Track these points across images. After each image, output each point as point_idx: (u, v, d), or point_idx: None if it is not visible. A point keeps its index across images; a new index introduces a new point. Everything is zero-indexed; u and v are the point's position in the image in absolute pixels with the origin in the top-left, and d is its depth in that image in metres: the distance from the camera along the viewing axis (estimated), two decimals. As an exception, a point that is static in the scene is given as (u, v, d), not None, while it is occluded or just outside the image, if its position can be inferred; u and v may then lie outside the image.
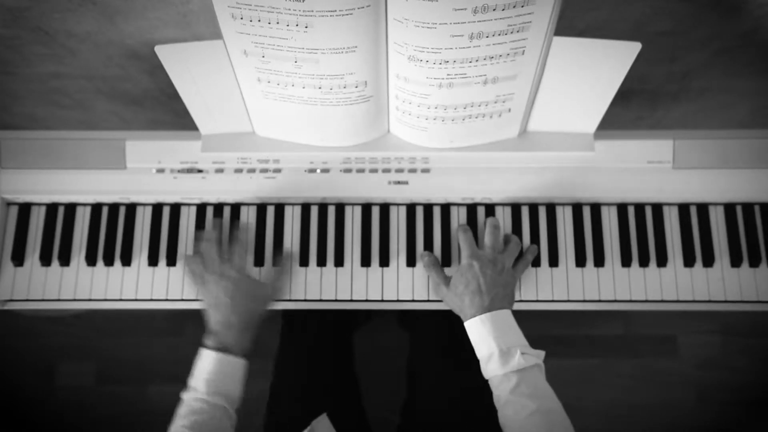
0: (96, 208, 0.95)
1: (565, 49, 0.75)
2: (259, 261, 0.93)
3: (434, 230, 0.93)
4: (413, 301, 0.92)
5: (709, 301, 0.91)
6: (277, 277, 0.90)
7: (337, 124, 0.86)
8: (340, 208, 0.94)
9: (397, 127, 0.90)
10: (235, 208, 0.95)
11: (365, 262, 0.92)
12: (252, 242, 0.93)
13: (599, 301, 0.92)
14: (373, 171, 0.92)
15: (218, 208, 0.95)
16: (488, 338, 0.78)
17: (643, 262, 0.92)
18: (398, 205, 0.95)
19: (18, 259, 0.93)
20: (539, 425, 0.71)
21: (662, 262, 0.92)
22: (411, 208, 0.94)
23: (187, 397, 0.79)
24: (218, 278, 0.84)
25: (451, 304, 0.86)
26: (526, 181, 0.92)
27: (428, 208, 0.94)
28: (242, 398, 0.82)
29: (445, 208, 0.94)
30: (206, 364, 0.80)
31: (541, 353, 0.79)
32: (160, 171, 0.93)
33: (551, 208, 0.94)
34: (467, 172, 0.92)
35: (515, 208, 0.94)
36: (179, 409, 0.79)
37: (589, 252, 0.93)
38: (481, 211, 0.94)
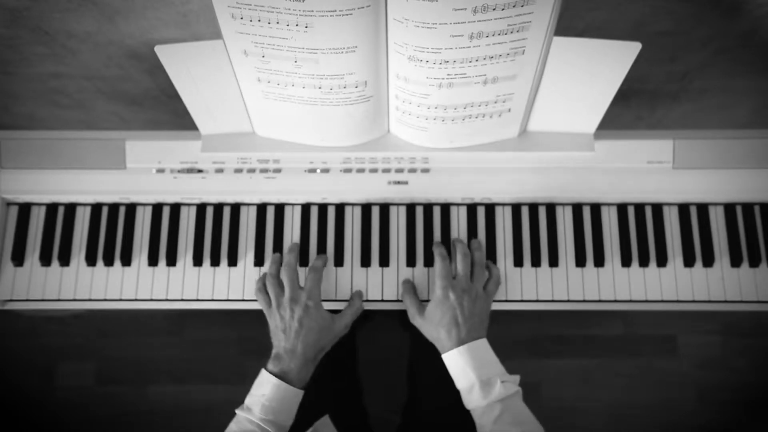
0: (96, 208, 0.95)
1: (565, 49, 0.75)
2: (259, 261, 0.93)
3: (434, 230, 0.93)
4: (413, 301, 0.91)
5: (709, 301, 0.91)
6: (348, 313, 0.89)
7: (337, 124, 0.86)
8: (340, 208, 0.94)
9: (397, 127, 0.90)
10: (235, 208, 0.95)
11: (365, 262, 0.92)
12: (252, 243, 0.93)
13: (599, 301, 0.92)
14: (373, 171, 0.92)
15: (218, 208, 0.95)
16: (467, 370, 0.79)
17: (643, 262, 0.92)
18: (398, 205, 0.95)
19: (18, 259, 0.93)
20: None
21: (662, 262, 0.92)
22: (411, 208, 0.94)
23: (241, 415, 0.79)
24: (289, 302, 0.84)
25: (427, 334, 0.86)
26: (526, 181, 0.92)
27: (428, 208, 0.94)
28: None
29: (445, 208, 0.94)
30: (265, 388, 0.80)
31: (517, 378, 0.80)
32: (160, 171, 0.93)
33: (551, 208, 0.94)
34: (467, 172, 0.92)
35: (515, 208, 0.94)
36: (232, 425, 0.79)
37: (589, 252, 0.93)
38: (481, 211, 0.94)
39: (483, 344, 0.82)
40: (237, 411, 0.80)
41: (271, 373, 0.81)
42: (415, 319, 0.88)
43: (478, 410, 0.78)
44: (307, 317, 0.84)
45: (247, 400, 0.81)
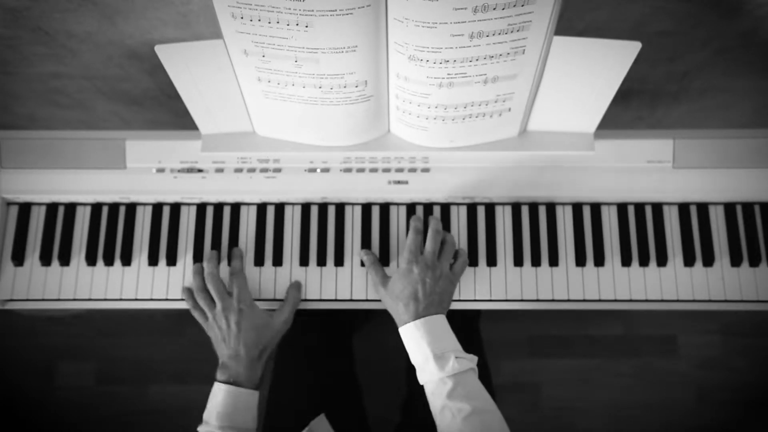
0: (96, 208, 0.95)
1: (566, 49, 0.75)
2: (259, 261, 0.93)
3: (434, 230, 0.93)
4: (413, 300, 0.91)
5: (709, 301, 0.91)
6: (285, 309, 0.89)
7: (338, 123, 0.86)
8: (341, 207, 0.94)
9: (398, 127, 0.90)
10: (235, 207, 0.95)
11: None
12: (252, 242, 0.93)
13: (599, 300, 0.92)
14: (373, 170, 0.92)
15: (218, 207, 0.95)
16: (422, 344, 0.78)
17: (643, 262, 0.92)
18: (398, 204, 0.95)
19: (18, 259, 0.93)
20: (476, 426, 0.72)
21: (662, 261, 0.92)
22: (411, 207, 0.94)
23: (202, 430, 0.80)
24: (222, 311, 0.85)
25: (387, 306, 0.86)
26: (526, 181, 0.92)
27: (428, 207, 0.94)
28: (258, 428, 0.83)
29: (445, 207, 0.94)
30: (218, 397, 0.81)
31: (475, 358, 0.79)
32: (160, 171, 0.93)
33: (551, 207, 0.94)
34: (467, 172, 0.92)
35: (515, 207, 0.94)
36: None
37: (589, 251, 0.93)
38: (480, 211, 0.94)
39: (440, 319, 0.81)
40: (198, 429, 0.81)
41: (220, 382, 0.82)
42: (378, 290, 0.87)
43: (430, 384, 0.77)
44: (243, 320, 0.84)
45: (204, 415, 0.81)
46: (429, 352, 0.77)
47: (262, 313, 0.87)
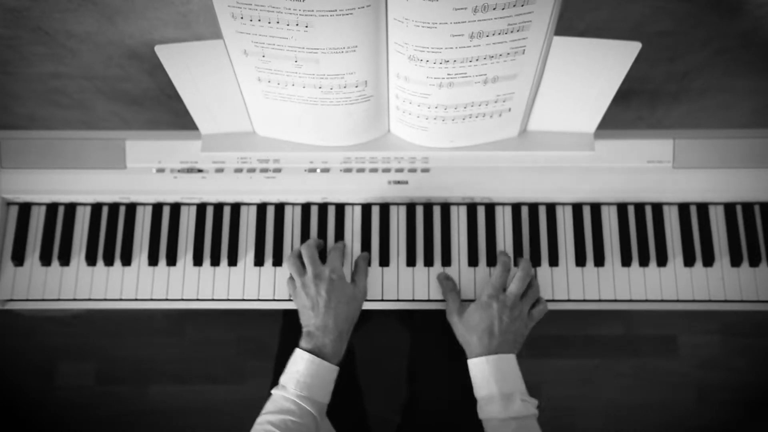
0: (96, 208, 0.95)
1: (566, 49, 0.75)
2: (259, 261, 0.93)
3: (434, 230, 0.93)
4: (413, 300, 0.92)
5: (709, 301, 0.91)
6: (360, 277, 0.89)
7: (337, 123, 0.86)
8: (340, 207, 0.94)
9: (398, 127, 0.90)
10: (235, 207, 0.95)
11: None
12: (252, 243, 0.93)
13: (599, 300, 0.92)
14: (373, 171, 0.92)
15: (218, 207, 0.95)
16: (490, 380, 0.79)
17: (643, 262, 0.92)
18: (398, 204, 0.95)
19: (18, 259, 0.93)
20: None
21: (662, 261, 0.92)
22: (411, 207, 0.94)
23: (277, 394, 0.78)
24: (313, 278, 0.84)
25: (459, 335, 0.86)
26: (526, 181, 0.92)
27: (428, 207, 0.94)
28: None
29: (445, 207, 0.94)
30: (300, 365, 0.79)
31: (535, 402, 0.80)
32: (160, 171, 0.93)
33: (551, 207, 0.94)
34: (467, 172, 0.92)
35: (515, 207, 0.94)
36: (267, 405, 0.78)
37: (589, 252, 0.93)
38: (481, 211, 0.94)
39: (511, 359, 0.81)
40: (272, 391, 0.79)
41: (304, 350, 0.80)
42: (452, 317, 0.87)
43: (492, 422, 0.78)
44: (334, 290, 0.83)
45: (282, 379, 0.79)
46: (496, 390, 0.78)
47: (350, 286, 0.86)
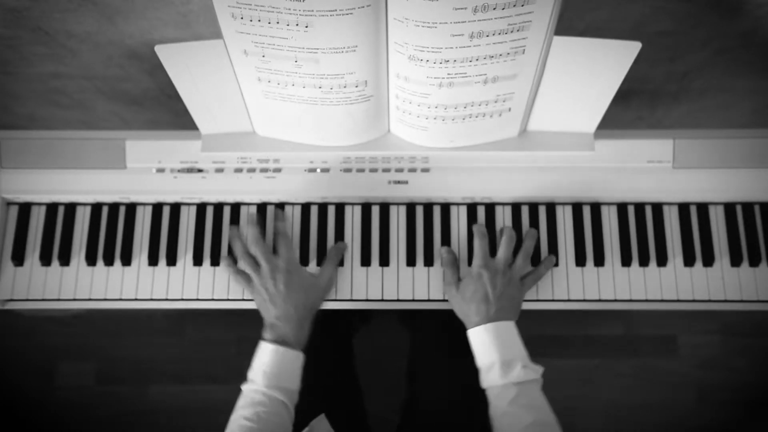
0: (96, 207, 0.95)
1: (566, 49, 0.75)
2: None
3: (434, 230, 0.93)
4: (413, 300, 0.92)
5: (709, 301, 0.91)
6: (328, 267, 0.89)
7: (337, 123, 0.86)
8: (340, 207, 0.94)
9: (398, 127, 0.90)
10: (235, 207, 0.95)
11: (365, 261, 0.92)
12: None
13: (599, 300, 0.92)
14: (373, 170, 0.92)
15: (218, 207, 0.95)
16: (490, 348, 0.79)
17: (643, 262, 0.92)
18: (398, 204, 0.95)
19: (18, 259, 0.93)
20: None
21: (662, 261, 0.92)
22: (411, 207, 0.94)
23: (246, 388, 0.80)
24: (270, 273, 0.85)
25: (457, 308, 0.87)
26: (526, 181, 0.92)
27: (428, 207, 0.94)
28: (299, 393, 0.82)
29: (445, 207, 0.94)
30: (264, 356, 0.81)
31: (540, 369, 0.80)
32: (160, 171, 0.93)
33: (551, 207, 0.94)
34: (467, 172, 0.92)
35: (515, 207, 0.94)
36: (239, 401, 0.79)
37: (589, 251, 0.93)
38: (481, 211, 0.94)
39: (510, 326, 0.81)
40: (242, 386, 0.80)
41: (268, 341, 0.82)
42: (449, 290, 0.88)
43: (494, 389, 0.78)
44: (292, 280, 0.84)
45: (250, 374, 0.81)
46: (496, 357, 0.78)
47: (308, 274, 0.88)
